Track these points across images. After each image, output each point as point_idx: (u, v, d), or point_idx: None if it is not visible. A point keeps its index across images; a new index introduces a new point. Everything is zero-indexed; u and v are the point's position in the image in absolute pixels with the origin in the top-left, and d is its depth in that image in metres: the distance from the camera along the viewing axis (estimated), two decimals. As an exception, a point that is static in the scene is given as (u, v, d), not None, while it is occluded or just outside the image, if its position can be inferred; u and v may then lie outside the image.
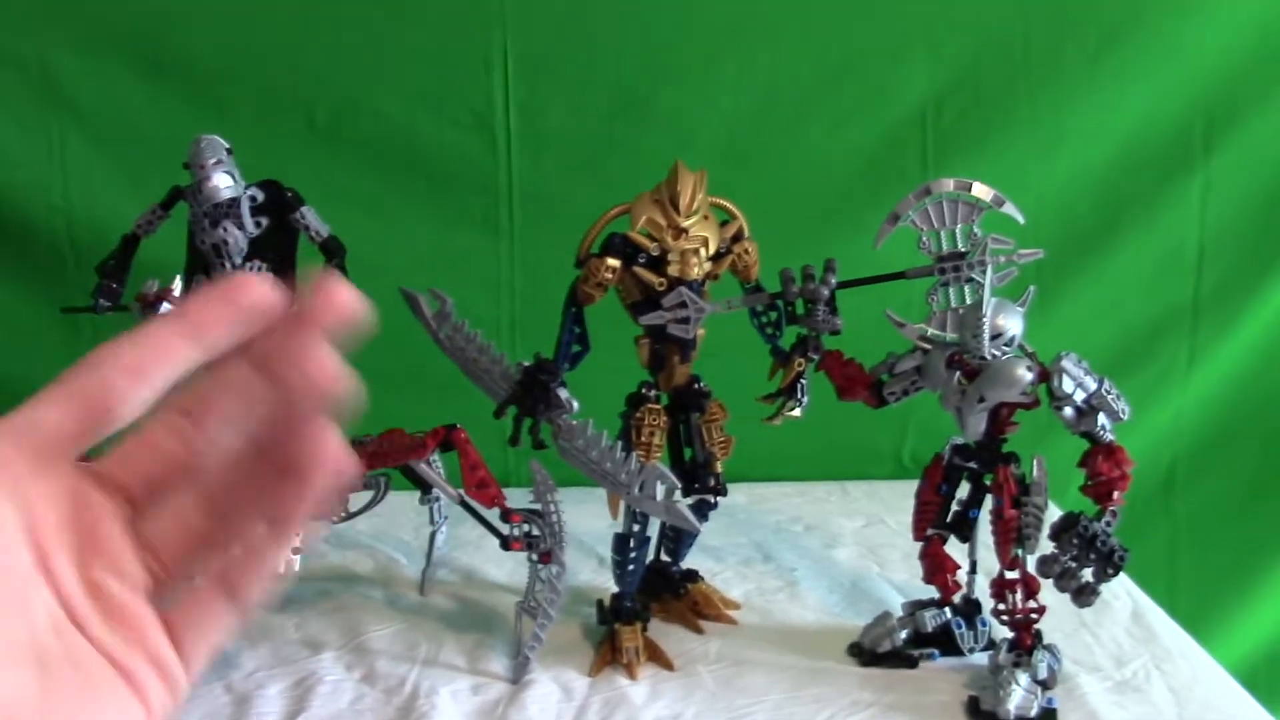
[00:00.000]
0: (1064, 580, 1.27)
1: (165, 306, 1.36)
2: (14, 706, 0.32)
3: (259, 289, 0.36)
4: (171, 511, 0.38)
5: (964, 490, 1.41)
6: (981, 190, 1.31)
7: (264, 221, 1.38)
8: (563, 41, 1.99)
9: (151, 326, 0.36)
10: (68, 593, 0.34)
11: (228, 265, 1.37)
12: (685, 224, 1.33)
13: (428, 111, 2.00)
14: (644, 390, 1.42)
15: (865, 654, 1.42)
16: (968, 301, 1.30)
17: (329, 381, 0.36)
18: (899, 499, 1.83)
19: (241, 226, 1.36)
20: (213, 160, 1.35)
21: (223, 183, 1.35)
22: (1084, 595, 1.27)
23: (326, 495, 0.37)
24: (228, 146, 1.37)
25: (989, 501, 1.36)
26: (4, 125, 1.94)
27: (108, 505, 0.36)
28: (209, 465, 0.38)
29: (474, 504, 1.40)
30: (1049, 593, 1.31)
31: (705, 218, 1.35)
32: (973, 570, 1.43)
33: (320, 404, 0.36)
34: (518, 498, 1.41)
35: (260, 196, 1.38)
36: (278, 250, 1.41)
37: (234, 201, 1.35)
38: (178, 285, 1.39)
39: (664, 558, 1.58)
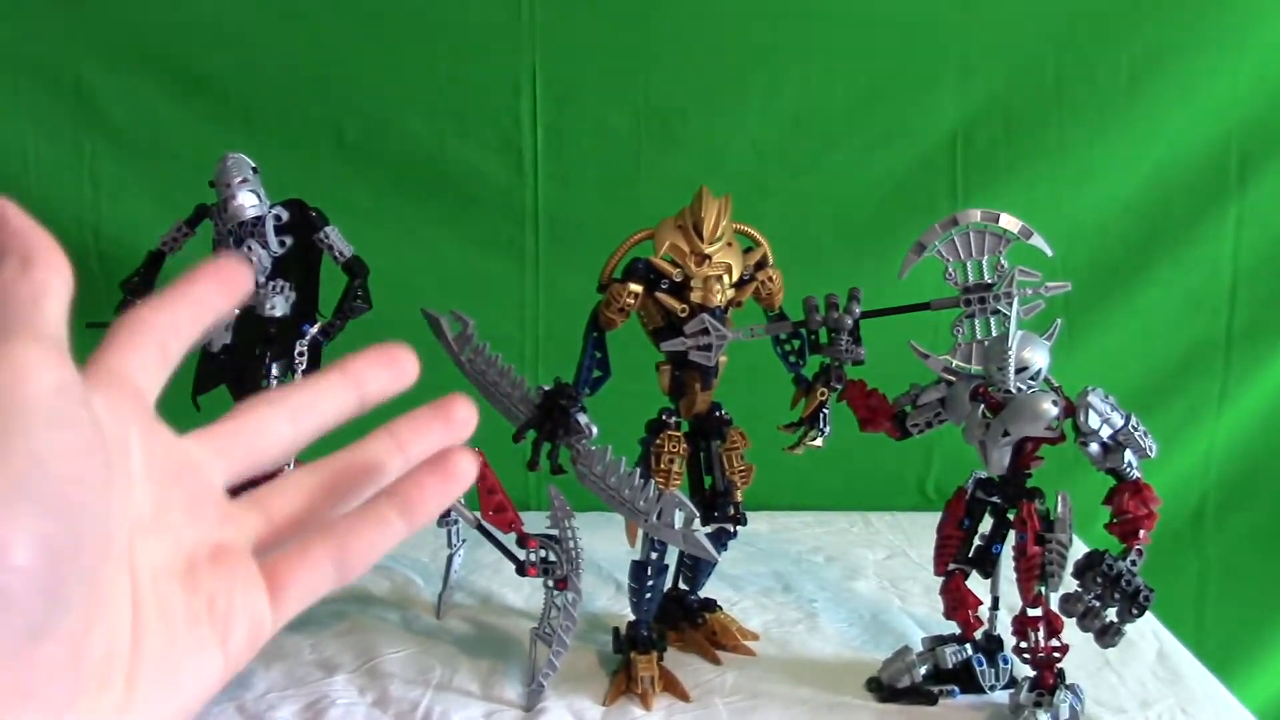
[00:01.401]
0: (1087, 620, 1.25)
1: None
2: (106, 654, 0.32)
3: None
4: (292, 484, 0.41)
5: (987, 525, 1.39)
6: (1009, 222, 1.30)
7: (288, 241, 1.39)
8: (591, 65, 1.99)
9: (167, 292, 0.39)
10: (176, 536, 0.36)
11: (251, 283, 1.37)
12: (709, 250, 1.32)
13: (455, 132, 2.00)
14: (664, 417, 1.41)
15: (884, 689, 1.40)
16: (993, 334, 1.29)
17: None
18: (922, 531, 1.82)
19: (265, 245, 1.37)
20: (238, 179, 1.36)
21: (248, 202, 1.35)
22: (1108, 635, 1.24)
23: (454, 497, 0.41)
24: (254, 165, 1.38)
25: (1012, 537, 1.34)
26: (36, 138, 1.95)
27: (208, 459, 0.38)
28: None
29: (491, 528, 1.39)
30: (1072, 631, 1.29)
31: (729, 244, 1.34)
32: (994, 606, 1.41)
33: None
34: (535, 522, 1.40)
35: (285, 216, 1.38)
36: (301, 270, 1.42)
37: (259, 220, 1.36)
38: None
39: (682, 586, 1.56)
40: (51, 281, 0.33)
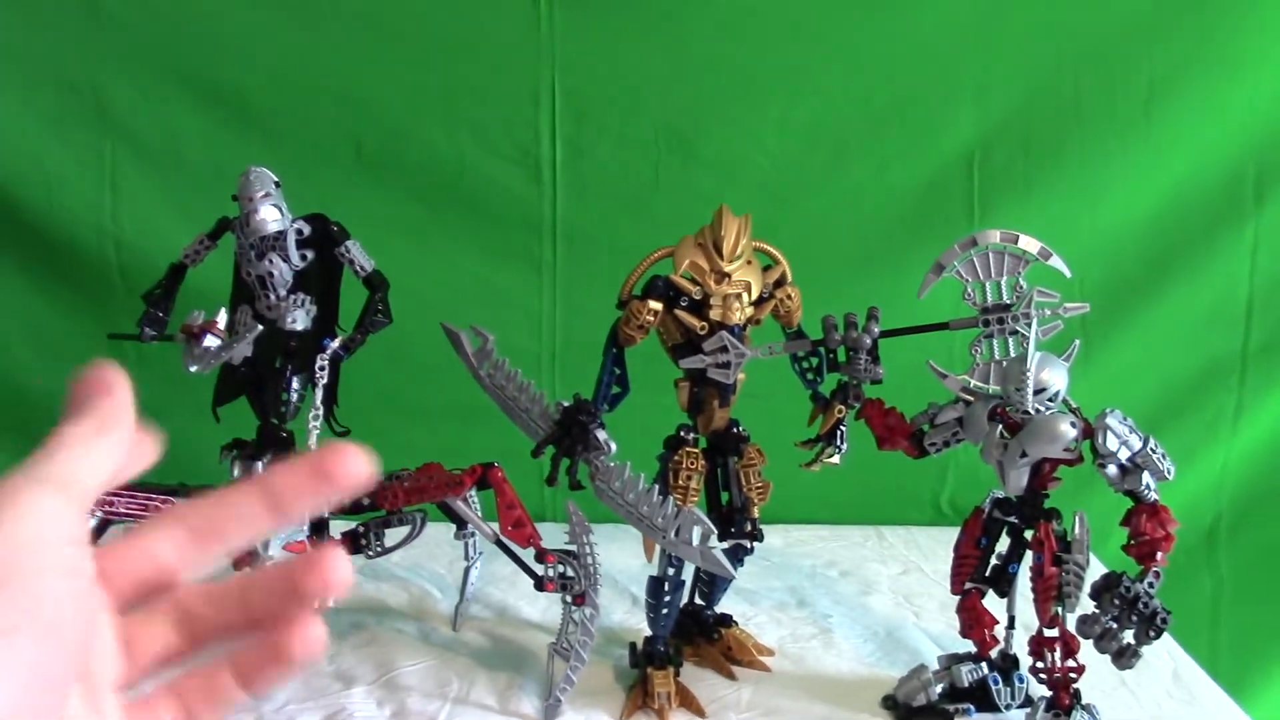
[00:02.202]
0: (1104, 641, 1.25)
1: (210, 338, 1.37)
2: None
3: (353, 464, 0.39)
4: (148, 621, 0.39)
5: (1004, 544, 1.39)
6: (1029, 243, 1.30)
7: (309, 255, 1.39)
8: (610, 80, 2.00)
9: (236, 491, 0.39)
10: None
11: (272, 297, 1.38)
12: (728, 269, 1.33)
13: (475, 146, 2.01)
14: (682, 433, 1.41)
15: (900, 707, 1.40)
16: (1012, 354, 1.29)
17: (332, 581, 0.39)
18: (937, 546, 1.82)
19: (287, 259, 1.37)
20: (261, 193, 1.36)
21: (270, 216, 1.36)
22: (1125, 657, 1.24)
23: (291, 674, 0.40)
24: (276, 180, 1.39)
25: (1029, 557, 1.34)
26: (59, 150, 1.97)
27: (105, 598, 0.38)
28: (192, 590, 0.40)
29: (509, 543, 1.39)
30: (1088, 650, 1.29)
31: (748, 262, 1.35)
32: (1010, 625, 1.41)
33: (316, 595, 0.39)
34: (553, 534, 1.41)
35: (307, 230, 1.39)
36: (322, 283, 1.43)
37: (280, 234, 1.36)
38: (222, 317, 1.39)
39: (698, 601, 1.57)
40: (108, 457, 0.37)
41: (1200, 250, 2.06)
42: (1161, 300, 2.07)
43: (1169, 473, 1.27)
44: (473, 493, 1.47)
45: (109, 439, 0.37)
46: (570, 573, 1.36)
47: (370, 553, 1.47)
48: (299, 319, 1.39)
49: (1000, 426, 1.30)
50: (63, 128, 1.97)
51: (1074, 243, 1.84)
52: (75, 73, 1.96)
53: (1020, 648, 1.38)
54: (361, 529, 1.46)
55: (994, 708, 1.38)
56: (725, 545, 1.39)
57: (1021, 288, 1.29)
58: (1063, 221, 2.01)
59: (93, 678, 0.37)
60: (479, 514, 1.48)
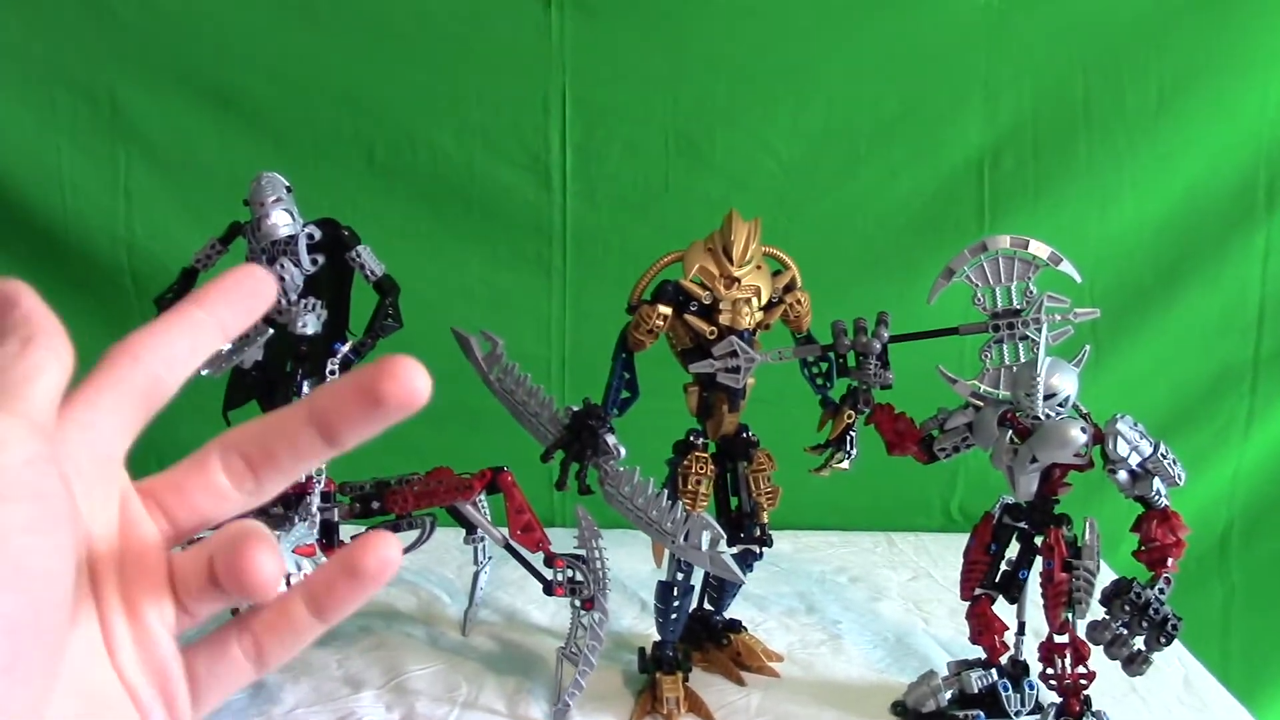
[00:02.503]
0: (1114, 647, 1.24)
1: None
2: None
3: (261, 278, 0.39)
4: (199, 555, 0.38)
5: (1014, 550, 1.39)
6: (1039, 248, 1.30)
7: (320, 259, 1.40)
8: (620, 85, 2.00)
9: (170, 312, 0.38)
10: (108, 618, 0.35)
11: (283, 301, 1.38)
12: (738, 273, 1.33)
13: (485, 151, 2.01)
14: (692, 438, 1.41)
15: (909, 713, 1.40)
16: (1022, 359, 1.29)
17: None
18: (947, 552, 1.82)
19: (298, 264, 1.38)
20: (272, 198, 1.37)
21: (281, 220, 1.36)
22: (1135, 664, 1.24)
23: (365, 593, 0.38)
24: (288, 185, 1.39)
25: (1039, 563, 1.34)
26: (72, 155, 1.98)
27: (153, 528, 0.37)
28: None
29: (518, 547, 1.39)
30: (1099, 657, 1.28)
31: (758, 267, 1.35)
32: (1020, 632, 1.40)
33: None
34: (562, 539, 1.41)
35: (317, 235, 1.39)
36: (333, 288, 1.43)
37: (292, 239, 1.37)
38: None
39: (707, 606, 1.57)
40: (47, 362, 0.34)
41: (1211, 256, 2.05)
42: (1173, 306, 2.07)
43: (1180, 478, 1.27)
44: (482, 497, 1.47)
45: (40, 345, 0.35)
46: (579, 577, 1.36)
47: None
48: (310, 323, 1.39)
49: (1010, 432, 1.30)
50: (77, 134, 1.98)
51: (1084, 248, 1.84)
52: (90, 79, 1.97)
53: (1030, 654, 1.37)
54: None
55: (1004, 714, 1.38)
56: (734, 550, 1.39)
57: (1032, 293, 1.29)
58: (1073, 227, 2.00)
59: (133, 606, 0.35)
60: (488, 518, 1.48)
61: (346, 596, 0.38)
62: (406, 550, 1.50)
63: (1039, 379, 1.24)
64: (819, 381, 1.44)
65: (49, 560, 0.31)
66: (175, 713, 0.36)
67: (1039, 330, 1.27)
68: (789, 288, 1.39)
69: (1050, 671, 1.31)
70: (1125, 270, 2.04)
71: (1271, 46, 1.99)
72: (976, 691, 1.38)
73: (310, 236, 1.39)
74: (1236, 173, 2.03)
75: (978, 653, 1.41)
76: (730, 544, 1.36)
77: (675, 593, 1.41)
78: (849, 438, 1.41)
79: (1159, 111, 2.01)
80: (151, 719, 0.36)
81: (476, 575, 1.65)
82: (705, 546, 1.29)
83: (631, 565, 1.73)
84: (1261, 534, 2.15)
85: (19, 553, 0.30)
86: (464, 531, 1.53)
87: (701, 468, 1.39)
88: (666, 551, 1.38)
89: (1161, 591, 1.24)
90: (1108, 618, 1.25)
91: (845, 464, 1.42)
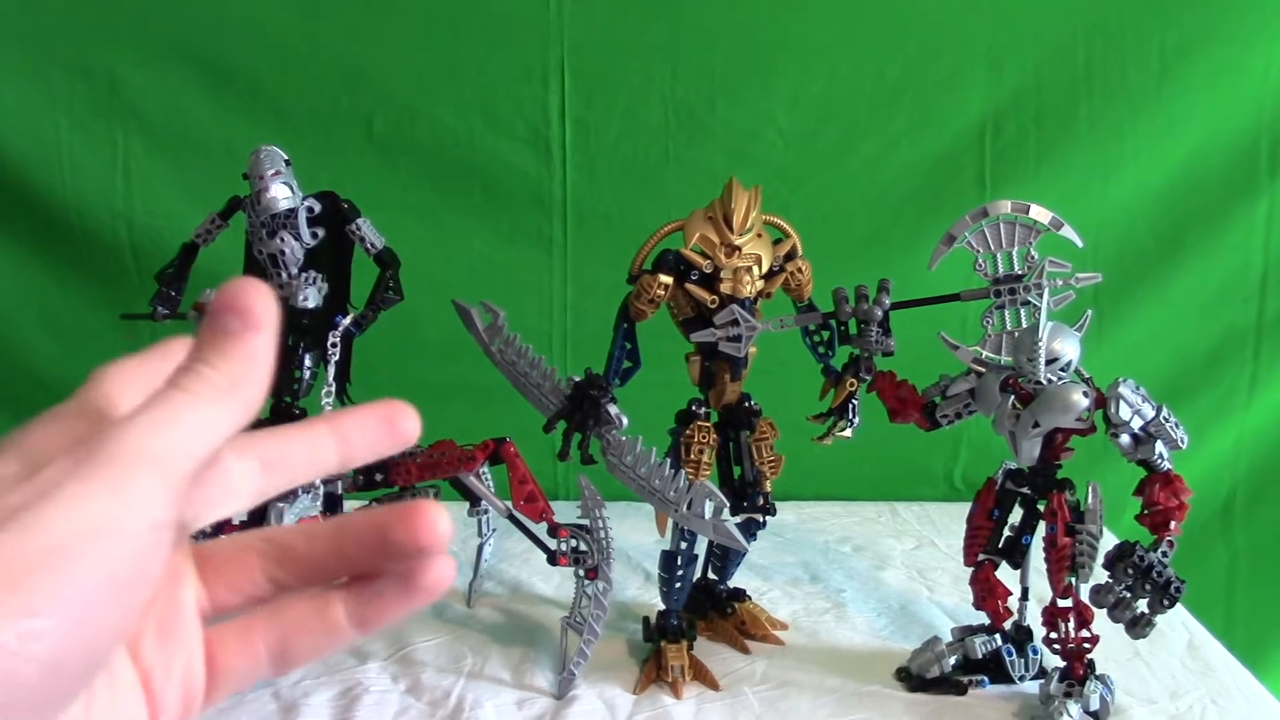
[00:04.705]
0: (1118, 610, 1.25)
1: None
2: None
3: (412, 421, 0.38)
4: (241, 553, 0.38)
5: (1016, 515, 1.39)
6: (1039, 213, 1.30)
7: (320, 233, 1.39)
8: (619, 57, 1.99)
9: (307, 427, 0.37)
10: None
11: (284, 275, 1.38)
12: (738, 242, 1.32)
13: (484, 124, 2.01)
14: (694, 407, 1.41)
15: (913, 679, 1.40)
16: (1023, 325, 1.29)
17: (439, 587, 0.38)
18: (950, 521, 1.82)
19: (298, 237, 1.37)
20: (271, 171, 1.36)
21: (281, 194, 1.36)
22: (1138, 626, 1.24)
23: (413, 610, 0.38)
24: (286, 158, 1.39)
25: (1042, 528, 1.34)
26: (71, 133, 1.97)
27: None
28: (291, 527, 0.38)
29: (522, 518, 1.40)
30: (1102, 621, 1.29)
31: (759, 235, 1.35)
32: (1024, 597, 1.41)
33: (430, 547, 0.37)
34: (566, 512, 1.41)
35: (317, 208, 1.39)
36: (333, 261, 1.43)
37: (291, 212, 1.37)
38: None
39: (711, 576, 1.57)
40: (229, 410, 0.32)
41: (1214, 223, 2.05)
42: (1175, 273, 2.06)
43: (1182, 441, 1.27)
44: (486, 470, 1.47)
45: (235, 400, 0.32)
46: (583, 547, 1.37)
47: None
48: (311, 297, 1.39)
49: (1012, 397, 1.30)
50: (75, 111, 1.97)
51: (1086, 216, 1.83)
52: (87, 56, 1.96)
53: (1034, 619, 1.38)
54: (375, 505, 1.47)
55: (1008, 679, 1.39)
56: (738, 519, 1.39)
57: (1033, 258, 1.29)
58: (1075, 195, 2.00)
59: (165, 607, 0.35)
60: (492, 490, 1.48)
61: (395, 610, 0.38)
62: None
63: (1041, 344, 1.24)
64: (821, 350, 1.44)
65: (121, 623, 0.31)
66: (189, 696, 0.36)
67: (1040, 295, 1.27)
68: (790, 256, 1.39)
69: (1054, 636, 1.32)
70: (1127, 238, 2.04)
71: (1273, 14, 1.98)
72: (980, 657, 1.39)
73: (310, 210, 1.39)
74: (1238, 140, 2.03)
75: (981, 619, 1.41)
76: (733, 513, 1.37)
77: (679, 562, 1.41)
78: (851, 406, 1.41)
79: (1161, 79, 2.00)
80: (163, 703, 0.35)
81: (481, 547, 1.65)
82: (709, 515, 1.30)
83: (636, 538, 1.74)
84: (1265, 500, 2.15)
85: (100, 613, 0.29)
86: (468, 505, 1.53)
87: (704, 437, 1.39)
88: (670, 521, 1.38)
89: (1164, 554, 1.24)
90: (1111, 581, 1.25)
91: (848, 432, 1.42)
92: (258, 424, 0.35)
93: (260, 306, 0.33)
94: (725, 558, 1.54)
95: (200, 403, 0.32)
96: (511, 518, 1.41)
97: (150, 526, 0.30)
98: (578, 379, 1.36)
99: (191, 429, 0.31)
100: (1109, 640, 1.33)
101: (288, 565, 0.38)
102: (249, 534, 0.38)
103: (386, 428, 0.37)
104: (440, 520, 0.36)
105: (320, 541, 0.38)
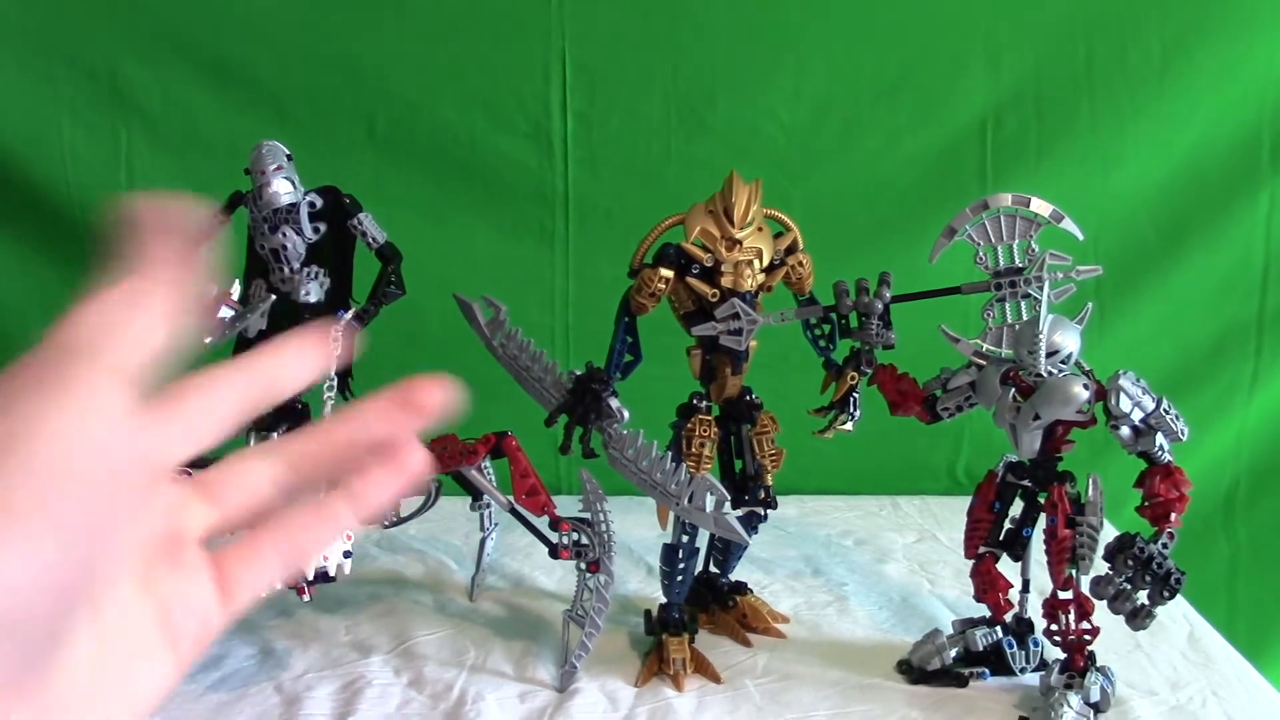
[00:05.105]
0: (1118, 602, 1.25)
1: (224, 309, 1.38)
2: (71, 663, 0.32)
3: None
4: (247, 476, 0.39)
5: (1017, 508, 1.39)
6: (1040, 205, 1.30)
7: (322, 227, 1.40)
8: (621, 51, 1.99)
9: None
10: (133, 533, 0.35)
11: (286, 270, 1.38)
12: (739, 235, 1.32)
13: (486, 119, 2.01)
14: (695, 401, 1.41)
15: (914, 671, 1.40)
16: (1024, 317, 1.29)
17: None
18: (952, 514, 1.82)
19: (300, 232, 1.38)
20: (273, 166, 1.37)
21: (282, 188, 1.36)
22: (1139, 618, 1.24)
23: (404, 490, 0.40)
24: (288, 153, 1.39)
25: (1043, 520, 1.34)
26: (74, 129, 1.98)
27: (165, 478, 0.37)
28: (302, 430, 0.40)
29: (524, 511, 1.40)
30: (1103, 614, 1.29)
31: (759, 229, 1.35)
32: (1025, 589, 1.41)
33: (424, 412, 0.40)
34: (568, 506, 1.41)
35: (319, 202, 1.39)
36: (335, 256, 1.43)
37: (293, 207, 1.37)
38: (236, 288, 1.41)
39: (713, 569, 1.57)
40: (164, 311, 0.34)
41: (1215, 216, 2.05)
42: (1176, 266, 2.06)
43: (1183, 433, 1.27)
44: (488, 463, 1.48)
45: (169, 300, 0.34)
46: (585, 540, 1.37)
47: (386, 523, 1.48)
48: (313, 291, 1.40)
49: (1013, 390, 1.30)
50: (78, 108, 1.98)
51: (1088, 209, 1.83)
52: (90, 53, 1.96)
53: (1035, 611, 1.38)
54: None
55: (1009, 671, 1.39)
56: (739, 513, 1.40)
57: (1034, 251, 1.29)
58: (1076, 188, 2.00)
59: (166, 541, 0.36)
60: (494, 484, 1.48)
61: (385, 488, 0.39)
62: (412, 516, 1.51)
63: (1041, 336, 1.24)
64: (822, 343, 1.44)
65: (112, 530, 0.31)
66: (204, 623, 0.37)
67: (1041, 288, 1.27)
68: (791, 250, 1.39)
69: (1054, 628, 1.32)
70: (1128, 231, 2.04)
71: (1275, 5, 1.98)
72: (981, 649, 1.39)
73: (312, 204, 1.39)
74: (1240, 132, 2.03)
75: (982, 611, 1.41)
76: (735, 506, 1.37)
77: (680, 555, 1.41)
78: (852, 399, 1.41)
79: (1162, 71, 2.00)
80: (182, 635, 0.36)
81: (483, 541, 1.66)
82: (710, 508, 1.30)
83: (638, 532, 1.74)
84: (1267, 492, 2.15)
85: (87, 523, 0.30)
86: (470, 499, 1.54)
87: (705, 430, 1.40)
88: (671, 514, 1.38)
89: (1165, 546, 1.24)
90: (1111, 573, 1.25)
91: (849, 425, 1.43)
92: (259, 420, 0.36)
93: (164, 214, 0.35)
94: (727, 551, 1.55)
95: (136, 302, 0.33)
96: (513, 511, 1.42)
97: (116, 428, 0.31)
98: (579, 373, 1.36)
99: (134, 330, 0.33)
100: (1110, 632, 1.34)
101: (304, 462, 0.39)
102: (251, 449, 0.40)
103: (405, 410, 0.39)
104: (439, 385, 0.39)
105: (320, 437, 0.40)
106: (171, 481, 0.37)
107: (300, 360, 0.39)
